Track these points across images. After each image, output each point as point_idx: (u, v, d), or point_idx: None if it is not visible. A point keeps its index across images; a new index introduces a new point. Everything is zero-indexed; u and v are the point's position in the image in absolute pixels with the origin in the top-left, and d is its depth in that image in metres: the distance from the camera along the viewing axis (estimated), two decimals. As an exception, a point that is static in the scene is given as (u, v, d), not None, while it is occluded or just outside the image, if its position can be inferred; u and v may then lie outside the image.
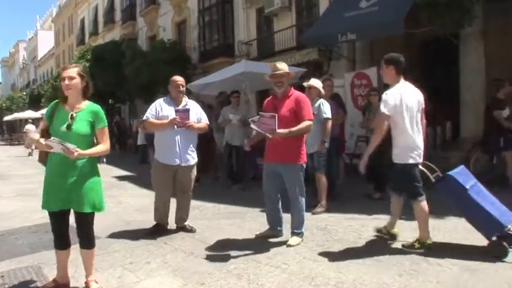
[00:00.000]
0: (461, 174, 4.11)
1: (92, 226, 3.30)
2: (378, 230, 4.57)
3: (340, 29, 9.21)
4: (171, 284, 3.50)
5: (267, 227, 4.79)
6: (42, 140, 3.11)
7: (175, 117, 4.69)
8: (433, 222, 4.48)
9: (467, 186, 3.96)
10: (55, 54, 45.77)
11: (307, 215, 5.25)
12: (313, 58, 12.58)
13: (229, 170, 8.38)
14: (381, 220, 5.22)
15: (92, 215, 3.24)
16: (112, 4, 28.92)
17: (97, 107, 3.24)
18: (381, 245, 4.31)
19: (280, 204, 4.70)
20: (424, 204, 4.08)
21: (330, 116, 5.83)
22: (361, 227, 5.02)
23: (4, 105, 51.72)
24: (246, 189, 7.91)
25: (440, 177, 4.14)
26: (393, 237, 4.46)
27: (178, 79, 4.96)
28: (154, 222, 5.09)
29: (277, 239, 4.64)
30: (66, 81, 3.14)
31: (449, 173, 4.06)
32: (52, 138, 3.03)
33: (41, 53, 52.59)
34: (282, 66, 4.50)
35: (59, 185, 3.12)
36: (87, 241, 3.28)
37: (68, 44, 40.19)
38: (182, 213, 5.10)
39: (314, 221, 5.31)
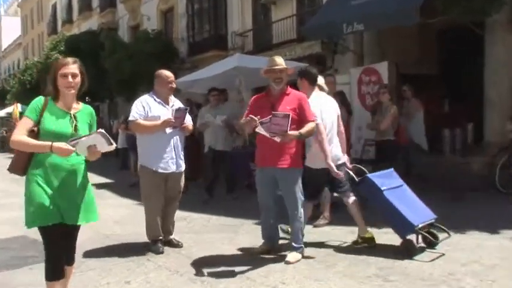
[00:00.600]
0: (381, 176, 4.85)
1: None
2: (355, 242, 4.91)
3: (346, 18, 9.19)
4: (153, 307, 3.47)
5: (262, 241, 4.77)
6: (60, 144, 2.88)
7: (170, 118, 4.73)
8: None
9: (382, 188, 4.63)
10: (22, 45, 45.47)
11: (308, 228, 5.25)
12: (316, 51, 12.61)
13: (213, 179, 8.09)
14: (393, 235, 5.20)
15: (78, 228, 3.17)
16: (89, -12, 28.88)
17: (92, 109, 3.25)
18: (391, 262, 4.29)
19: (277, 215, 4.68)
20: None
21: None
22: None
23: None
24: (239, 198, 7.88)
25: (360, 179, 4.86)
26: (371, 241, 4.81)
27: (170, 75, 4.93)
28: (149, 241, 5.01)
29: (274, 255, 4.62)
30: (70, 79, 3.03)
31: (368, 175, 4.82)
32: (75, 138, 2.96)
33: (5, 43, 52.26)
34: (281, 61, 4.55)
35: (59, 193, 2.97)
36: (72, 258, 3.21)
37: (38, 33, 39.97)
38: (169, 225, 5.09)
39: (316, 235, 5.30)
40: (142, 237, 5.12)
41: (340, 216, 5.98)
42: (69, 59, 3.12)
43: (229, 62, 10.64)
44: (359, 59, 11.39)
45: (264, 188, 4.60)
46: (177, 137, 4.90)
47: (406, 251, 4.46)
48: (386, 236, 5.14)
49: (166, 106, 4.89)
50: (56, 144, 2.86)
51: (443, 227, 4.74)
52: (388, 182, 4.77)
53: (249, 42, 16.10)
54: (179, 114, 4.79)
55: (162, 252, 4.80)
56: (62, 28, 31.90)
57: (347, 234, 5.32)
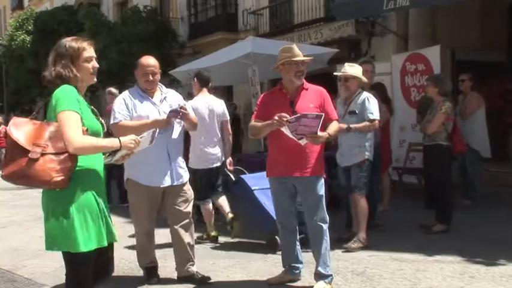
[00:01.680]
0: (256, 177, 6.07)
1: None
2: (199, 238, 6.23)
3: (386, -9, 9.22)
4: None
5: (282, 268, 4.79)
6: (128, 139, 3.08)
7: (169, 115, 4.61)
8: None
9: (253, 188, 5.93)
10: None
11: (338, 253, 5.25)
12: (348, 34, 12.66)
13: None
14: (446, 263, 5.20)
15: None
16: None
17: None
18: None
19: (298, 236, 4.73)
20: (209, 206, 6.33)
21: (378, 117, 5.88)
22: (417, 271, 5.00)
23: None
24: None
25: (235, 180, 6.40)
26: (215, 239, 6.33)
27: (148, 63, 4.76)
28: (143, 269, 5.01)
29: (296, 284, 4.65)
30: (95, 63, 3.15)
31: (242, 176, 6.42)
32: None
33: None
34: (299, 52, 4.59)
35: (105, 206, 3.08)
36: None
37: (-1, 8, 40.43)
38: (185, 255, 4.85)
39: (348, 262, 5.30)
40: (135, 262, 5.16)
41: (379, 239, 5.97)
42: (86, 40, 3.17)
43: (241, 47, 10.72)
44: (403, 43, 11.41)
45: (281, 202, 4.64)
46: (173, 140, 4.74)
47: (272, 247, 5.70)
48: (437, 266, 5.14)
49: (153, 102, 4.77)
50: (124, 139, 3.04)
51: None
52: (262, 182, 5.65)
53: (265, 22, 16.20)
54: (173, 114, 4.65)
55: (155, 283, 4.81)
56: (30, 2, 32.27)
57: (388, 262, 5.32)
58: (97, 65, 3.13)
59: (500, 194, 8.25)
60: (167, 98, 4.84)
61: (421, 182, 8.46)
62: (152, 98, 4.78)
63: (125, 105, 4.70)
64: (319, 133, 4.27)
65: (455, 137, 6.79)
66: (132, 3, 21.53)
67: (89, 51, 3.11)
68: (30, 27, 22.70)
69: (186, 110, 4.68)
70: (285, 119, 4.23)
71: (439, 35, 10.46)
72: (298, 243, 4.76)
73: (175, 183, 4.72)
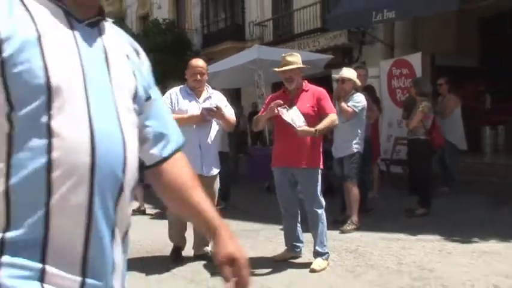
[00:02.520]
0: None
1: None
2: None
3: (375, 5, 9.19)
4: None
5: (285, 247, 4.82)
6: None
7: (202, 111, 4.57)
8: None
9: None
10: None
11: (335, 234, 5.28)
12: (342, 42, 12.65)
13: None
14: (427, 242, 5.22)
15: None
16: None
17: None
18: (426, 272, 4.30)
19: (299, 218, 4.76)
20: None
21: (360, 106, 5.83)
22: (402, 249, 5.02)
23: None
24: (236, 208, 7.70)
25: None
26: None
27: (196, 64, 4.76)
28: (171, 246, 4.97)
29: (298, 261, 4.68)
30: None
31: None
32: None
33: None
34: (293, 59, 4.61)
35: None
36: None
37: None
38: (202, 236, 4.75)
39: (342, 242, 5.33)
40: (157, 244, 5.21)
41: (369, 221, 6.00)
42: None
43: (247, 54, 10.72)
44: (389, 50, 11.39)
45: (285, 189, 4.67)
46: (208, 135, 4.68)
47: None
48: (419, 244, 5.16)
49: (197, 100, 4.72)
50: None
51: None
52: None
53: (269, 32, 16.18)
54: (206, 111, 4.62)
55: (176, 262, 4.78)
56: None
57: (377, 241, 5.34)
58: None
59: (474, 183, 8.25)
60: (211, 98, 4.76)
61: (406, 172, 8.46)
62: (198, 96, 4.73)
63: (169, 100, 4.68)
64: (304, 128, 4.36)
65: (434, 132, 6.81)
66: (153, 17, 21.54)
67: None
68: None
69: (219, 109, 4.59)
70: (276, 106, 4.40)
71: (420, 43, 10.45)
72: (299, 225, 4.78)
73: (205, 174, 4.62)
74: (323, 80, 8.78)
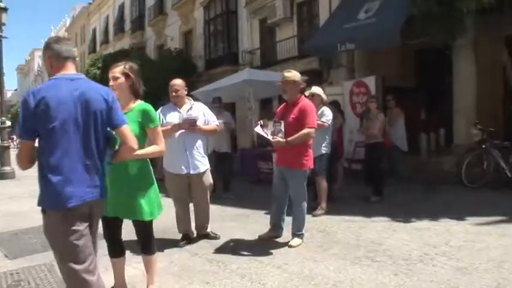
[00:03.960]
0: None
1: (149, 233, 3.06)
2: None
3: (339, 39, 9.26)
4: (177, 283, 3.53)
5: (269, 227, 4.81)
6: None
7: (179, 122, 4.35)
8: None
9: None
10: (67, 63, 45.86)
11: (308, 217, 5.27)
12: (314, 67, 12.63)
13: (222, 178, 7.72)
14: (378, 222, 5.25)
15: (144, 222, 2.96)
16: (122, 14, 29.13)
17: (146, 106, 2.92)
18: (377, 246, 4.33)
19: (285, 207, 4.69)
20: None
21: (330, 120, 5.85)
22: (359, 228, 5.04)
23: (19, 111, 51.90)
24: (237, 197, 7.57)
25: None
26: None
27: (173, 83, 4.52)
28: (180, 235, 4.77)
29: (279, 240, 4.66)
30: (111, 82, 2.89)
31: None
32: None
33: (53, 62, 52.61)
34: (288, 74, 4.46)
35: (111, 191, 2.66)
36: (144, 247, 3.07)
37: (80, 52, 40.25)
38: (201, 221, 4.76)
39: (314, 223, 5.33)
40: (168, 226, 5.17)
41: (335, 207, 6.02)
42: (118, 64, 2.99)
43: (240, 75, 10.70)
44: (351, 73, 11.40)
45: (278, 182, 4.61)
46: (191, 139, 4.42)
47: None
48: (372, 224, 5.18)
49: (179, 111, 4.47)
50: None
51: None
52: None
53: (257, 58, 16.14)
54: (187, 121, 4.38)
55: (180, 247, 4.54)
56: (100, 48, 32.20)
57: (340, 222, 5.36)
58: (111, 84, 2.92)
59: (413, 176, 8.30)
60: (192, 108, 4.53)
61: (363, 168, 8.49)
62: (180, 108, 4.50)
63: (158, 116, 4.35)
64: (276, 139, 4.33)
65: (384, 136, 6.88)
66: (167, 46, 21.42)
67: (110, 73, 2.96)
68: (99, 65, 22.58)
69: (194, 126, 4.36)
70: (259, 123, 4.45)
71: (374, 68, 10.45)
72: (284, 212, 4.68)
73: (192, 172, 4.44)
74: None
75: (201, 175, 4.54)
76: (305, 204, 4.53)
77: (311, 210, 5.80)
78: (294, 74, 4.48)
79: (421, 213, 5.52)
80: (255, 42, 16.42)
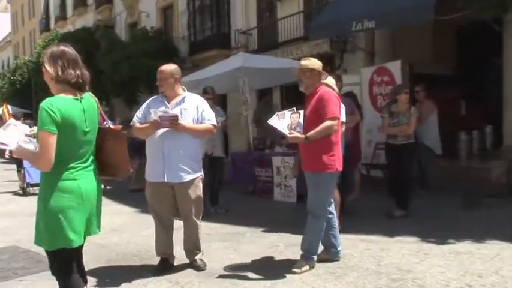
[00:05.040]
0: None
1: (54, 267, 2.95)
2: None
3: (355, 15, 9.24)
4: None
5: (271, 250, 4.77)
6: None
7: (156, 119, 4.29)
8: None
9: None
10: (12, 42, 45.44)
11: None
12: (324, 50, 12.65)
13: (212, 187, 7.72)
14: (405, 243, 5.24)
15: (47, 251, 2.92)
16: (84, -17, 29.05)
17: (41, 103, 2.79)
18: (404, 273, 4.31)
19: (335, 220, 4.70)
20: None
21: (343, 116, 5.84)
22: (381, 251, 5.02)
23: None
24: (228, 211, 7.59)
25: None
26: None
27: (159, 70, 4.53)
28: (158, 258, 4.69)
29: (280, 260, 4.65)
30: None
31: None
32: None
33: (-7, 40, 52.38)
34: (305, 62, 4.56)
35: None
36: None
37: (29, 30, 40.08)
38: (188, 244, 4.67)
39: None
40: (143, 246, 5.15)
41: (349, 223, 6.00)
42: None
43: (233, 61, 10.71)
44: (370, 58, 11.43)
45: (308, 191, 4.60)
46: (173, 139, 4.34)
47: None
48: (397, 246, 5.17)
49: (167, 105, 4.46)
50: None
51: None
52: None
53: (253, 40, 16.18)
54: (165, 119, 4.32)
55: (157, 275, 4.45)
56: (55, 25, 32.07)
57: (357, 243, 5.34)
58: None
59: (450, 185, 8.30)
60: (184, 102, 4.50)
61: (386, 176, 8.50)
62: (170, 102, 4.49)
63: (142, 110, 4.58)
64: (294, 133, 4.38)
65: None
66: (141, 25, 21.43)
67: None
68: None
69: (176, 122, 4.29)
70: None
71: (400, 51, 10.51)
72: (333, 226, 4.66)
73: (174, 182, 4.37)
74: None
75: (185, 186, 4.43)
76: (323, 221, 4.48)
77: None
78: (312, 62, 4.56)
79: (460, 233, 5.51)
80: (251, 21, 16.45)
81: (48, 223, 2.80)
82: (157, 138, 4.38)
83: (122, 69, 17.23)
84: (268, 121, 4.59)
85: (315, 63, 4.55)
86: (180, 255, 4.77)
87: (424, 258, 4.71)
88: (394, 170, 6.98)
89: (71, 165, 2.83)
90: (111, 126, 3.14)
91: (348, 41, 11.97)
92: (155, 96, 4.64)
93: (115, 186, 10.93)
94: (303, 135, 4.36)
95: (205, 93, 7.51)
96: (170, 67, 4.56)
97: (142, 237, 5.72)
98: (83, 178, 2.86)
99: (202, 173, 4.64)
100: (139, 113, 4.59)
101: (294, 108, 4.62)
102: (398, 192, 6.71)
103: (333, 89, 5.87)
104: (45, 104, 2.74)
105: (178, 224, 4.71)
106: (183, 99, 4.52)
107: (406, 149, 6.66)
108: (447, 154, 8.68)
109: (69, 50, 2.95)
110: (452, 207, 7.07)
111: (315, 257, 4.53)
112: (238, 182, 9.71)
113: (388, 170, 7.75)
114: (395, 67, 9.35)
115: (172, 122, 4.31)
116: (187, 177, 4.42)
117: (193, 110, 4.50)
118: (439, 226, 5.94)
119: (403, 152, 6.68)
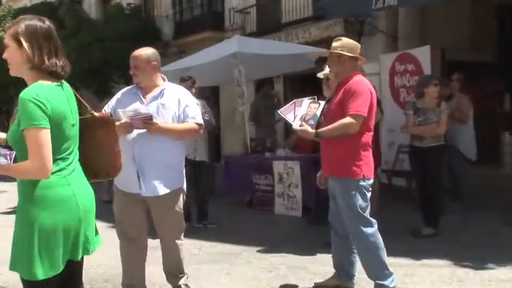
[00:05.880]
0: None
1: None
2: None
3: (375, -10, 9.26)
4: None
5: (271, 274, 4.77)
6: None
7: (127, 120, 4.11)
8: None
9: None
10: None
11: (327, 258, 5.21)
12: (337, 33, 12.64)
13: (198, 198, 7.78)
14: (434, 267, 5.23)
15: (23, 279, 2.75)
16: None
17: (24, 92, 2.65)
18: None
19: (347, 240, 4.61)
20: None
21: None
22: (405, 276, 5.03)
23: None
24: (220, 227, 7.60)
25: None
26: None
27: (132, 56, 4.39)
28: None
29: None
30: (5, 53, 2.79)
31: None
32: None
33: None
34: (335, 44, 4.52)
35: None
36: None
37: (-27, 4, 39.96)
38: (169, 267, 4.58)
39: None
40: (116, 270, 5.12)
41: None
42: (11, 24, 2.91)
43: (226, 46, 10.71)
44: (392, 43, 11.44)
45: (332, 203, 4.60)
46: (146, 142, 4.19)
47: None
48: (424, 271, 5.16)
49: (142, 100, 4.32)
50: None
51: None
52: None
53: (252, 21, 16.19)
54: (137, 119, 4.14)
55: None
56: (7, -1, 31.97)
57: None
58: (5, 56, 2.78)
59: (489, 197, 8.31)
60: (163, 96, 4.34)
61: (410, 185, 8.50)
62: (145, 95, 4.34)
63: (111, 103, 4.42)
64: (305, 126, 4.39)
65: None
66: (115, 0, 21.42)
67: None
68: (8, 24, 22.54)
69: (151, 123, 4.13)
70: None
71: (429, 34, 10.52)
72: (351, 248, 4.60)
73: (148, 194, 4.24)
74: (314, 77, 8.75)
75: (161, 200, 4.30)
76: (372, 232, 4.39)
77: (328, 246, 5.80)
78: (344, 44, 4.50)
79: (502, 256, 5.49)
80: (249, -3, 16.48)
81: (26, 249, 2.61)
82: (127, 141, 4.15)
83: (92, 54, 17.20)
84: (279, 110, 4.58)
85: (346, 45, 4.50)
86: (161, 280, 4.74)
87: (458, 286, 4.71)
88: (420, 178, 7.00)
89: (61, 167, 2.67)
90: (96, 114, 2.99)
91: (365, 21, 11.97)
92: (128, 88, 4.51)
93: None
94: (314, 130, 4.35)
95: (182, 81, 7.51)
96: (146, 52, 4.38)
97: (116, 259, 5.69)
98: (76, 183, 2.71)
99: (185, 183, 4.49)
100: (107, 108, 4.40)
101: (315, 97, 4.60)
102: (426, 206, 6.71)
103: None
104: (28, 94, 2.57)
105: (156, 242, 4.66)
106: (161, 93, 4.36)
107: (434, 152, 6.65)
108: (485, 159, 8.67)
109: (54, 30, 2.84)
110: (491, 224, 7.08)
111: (391, 286, 4.39)
112: (232, 192, 9.70)
113: (413, 178, 7.76)
114: (423, 54, 9.33)
115: (146, 121, 4.13)
116: (164, 190, 4.26)
117: (174, 105, 4.34)
118: (475, 247, 5.94)
119: (430, 156, 6.67)
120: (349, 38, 4.61)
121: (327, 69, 6.02)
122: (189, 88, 7.14)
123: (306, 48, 11.17)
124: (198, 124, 4.41)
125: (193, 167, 7.38)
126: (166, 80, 4.52)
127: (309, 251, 5.91)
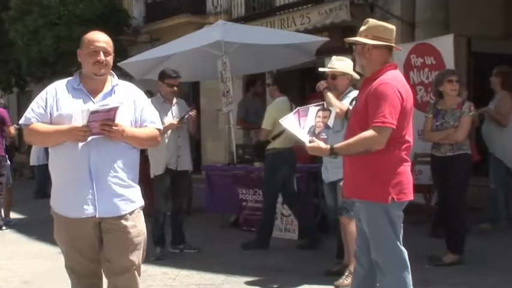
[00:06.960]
0: None
1: None
2: None
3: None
4: None
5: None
6: None
7: (84, 123, 3.86)
8: None
9: None
10: None
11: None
12: (342, 19, 12.74)
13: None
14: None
15: None
16: None
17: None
18: None
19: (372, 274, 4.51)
20: None
21: None
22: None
23: None
24: (199, 252, 7.62)
25: None
26: None
27: (96, 38, 4.15)
28: None
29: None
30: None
31: None
32: None
33: None
34: (362, 28, 4.41)
35: None
36: None
37: None
38: None
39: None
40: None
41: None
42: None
43: (208, 34, 10.73)
44: (409, 30, 11.51)
45: (360, 228, 4.50)
46: (103, 152, 4.00)
47: None
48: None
49: (91, 98, 4.12)
50: None
51: None
52: None
53: (239, 3, 16.24)
54: (98, 116, 3.89)
55: None
56: None
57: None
58: None
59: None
60: (114, 93, 4.17)
61: (429, 202, 8.55)
62: (92, 92, 4.13)
63: (44, 101, 4.11)
64: (316, 142, 4.14)
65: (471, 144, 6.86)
66: (75, -22, 21.42)
67: None
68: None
69: (108, 117, 3.90)
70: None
71: (453, 21, 10.58)
72: (375, 283, 4.50)
73: (104, 216, 4.00)
74: (314, 71, 8.81)
75: (123, 220, 4.08)
76: (400, 276, 4.36)
77: (332, 276, 5.83)
78: (371, 28, 4.38)
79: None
80: (236, -25, 16.55)
81: None
82: (79, 149, 3.97)
83: (44, 42, 17.13)
84: (280, 120, 4.41)
85: (372, 29, 4.37)
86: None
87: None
88: (441, 194, 7.02)
89: None
90: None
91: (376, 5, 12.06)
92: (65, 82, 4.29)
93: (35, 215, 10.90)
94: (328, 146, 4.15)
95: (166, 77, 7.55)
96: (108, 37, 4.22)
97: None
98: None
99: (143, 200, 4.30)
100: (36, 106, 4.10)
101: (323, 103, 4.52)
102: (448, 227, 6.74)
103: (351, 77, 5.97)
104: None
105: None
106: (112, 89, 4.19)
107: (455, 163, 6.60)
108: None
109: None
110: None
111: None
112: (214, 209, 9.72)
113: (433, 193, 7.79)
114: (445, 44, 9.32)
115: (107, 123, 3.90)
116: (127, 208, 4.09)
117: (129, 107, 4.17)
118: (506, 277, 5.96)
119: (449, 167, 6.64)
120: (357, 24, 4.65)
121: (333, 62, 6.06)
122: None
123: (305, 37, 11.20)
124: (158, 129, 4.30)
125: (173, 179, 7.42)
126: (115, 75, 4.32)
127: (306, 282, 5.97)
